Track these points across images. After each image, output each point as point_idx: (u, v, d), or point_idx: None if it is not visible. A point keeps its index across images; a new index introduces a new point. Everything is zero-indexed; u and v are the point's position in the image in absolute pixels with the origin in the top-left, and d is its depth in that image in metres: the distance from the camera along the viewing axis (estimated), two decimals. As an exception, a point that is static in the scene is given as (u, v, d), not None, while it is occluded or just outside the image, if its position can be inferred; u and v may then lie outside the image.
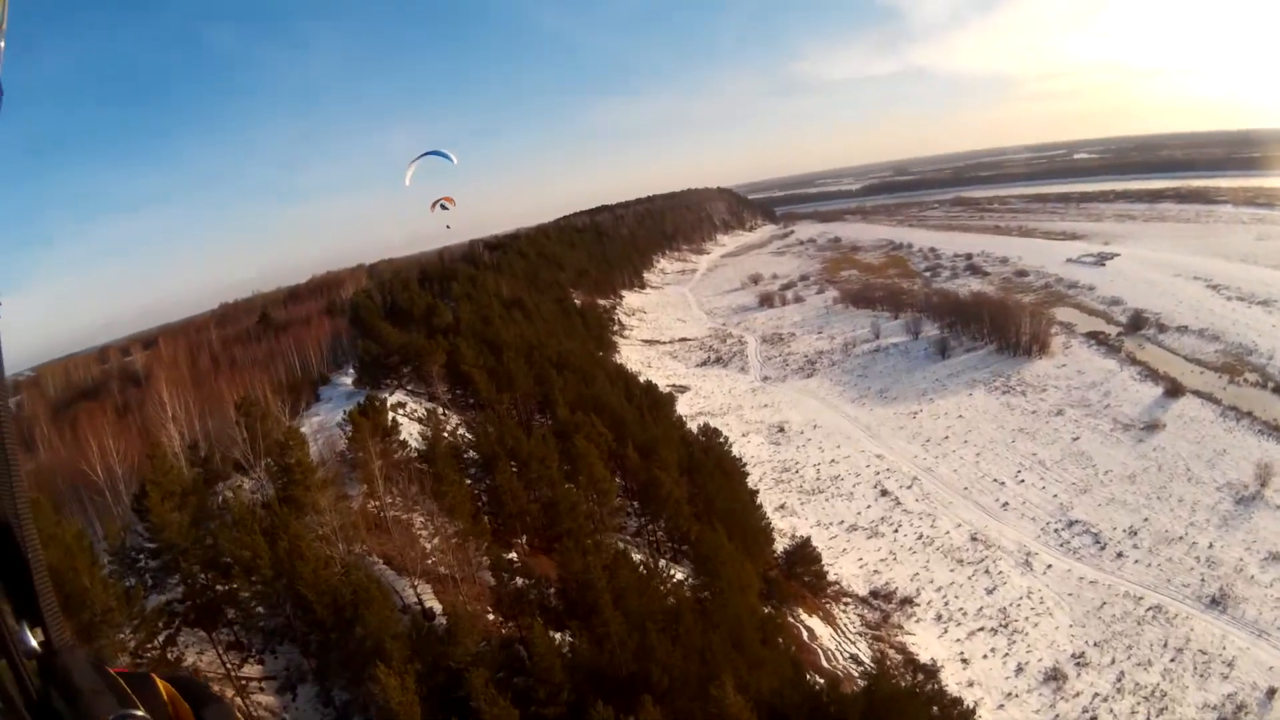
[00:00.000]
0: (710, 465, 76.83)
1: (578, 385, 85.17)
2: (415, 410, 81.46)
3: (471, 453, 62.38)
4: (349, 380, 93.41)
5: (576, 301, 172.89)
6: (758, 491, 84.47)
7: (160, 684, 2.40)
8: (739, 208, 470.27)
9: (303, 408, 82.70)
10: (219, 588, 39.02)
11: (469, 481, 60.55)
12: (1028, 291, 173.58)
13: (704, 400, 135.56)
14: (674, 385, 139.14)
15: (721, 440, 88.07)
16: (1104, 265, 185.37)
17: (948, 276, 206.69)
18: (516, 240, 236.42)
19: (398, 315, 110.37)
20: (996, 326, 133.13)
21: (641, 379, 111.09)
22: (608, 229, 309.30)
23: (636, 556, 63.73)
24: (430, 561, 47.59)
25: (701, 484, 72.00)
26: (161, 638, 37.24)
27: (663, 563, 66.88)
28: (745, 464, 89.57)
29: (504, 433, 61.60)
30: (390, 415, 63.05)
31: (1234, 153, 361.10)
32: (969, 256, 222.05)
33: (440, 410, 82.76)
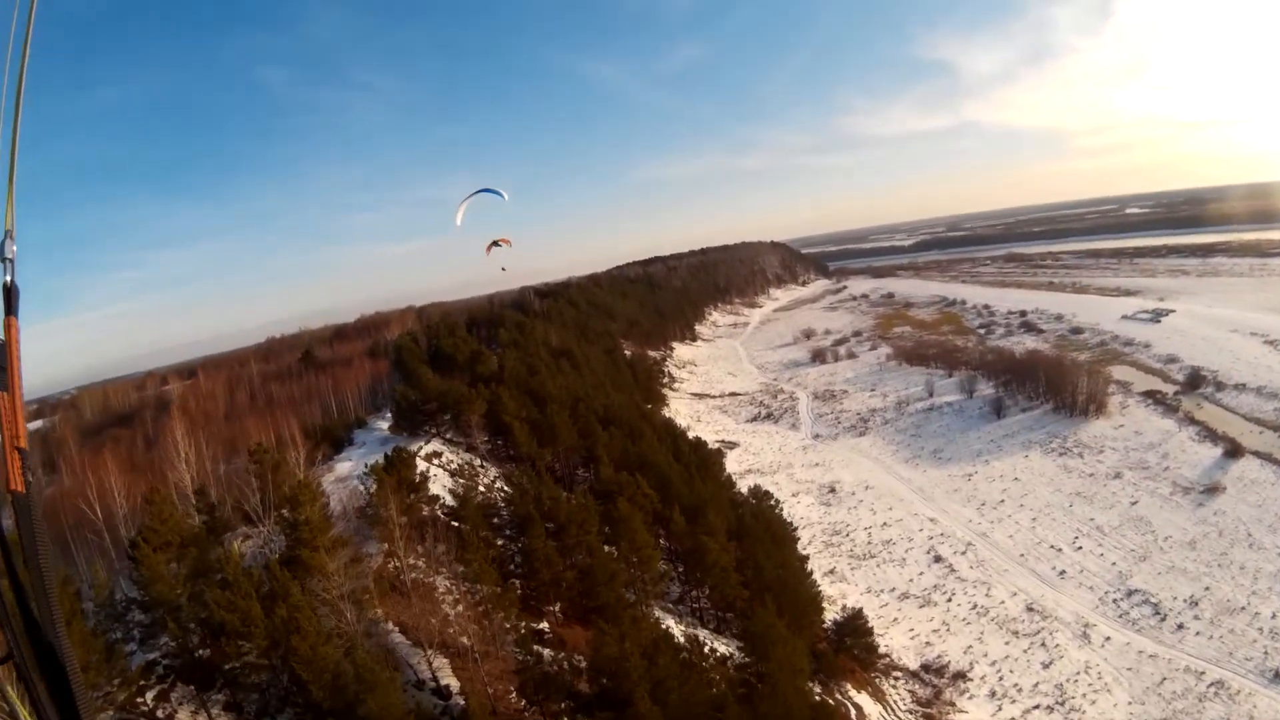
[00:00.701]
0: (760, 530, 71.75)
1: (623, 441, 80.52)
2: (451, 461, 77.21)
3: (505, 512, 57.70)
4: (385, 425, 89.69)
5: (627, 352, 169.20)
6: (808, 556, 79.88)
7: None
8: (792, 261, 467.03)
9: (331, 454, 78.81)
10: (208, 650, 34.75)
11: (501, 542, 56.19)
12: (1083, 349, 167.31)
13: (753, 457, 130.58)
14: (723, 441, 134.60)
15: (772, 503, 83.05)
16: (1159, 322, 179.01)
17: (1002, 334, 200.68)
18: (568, 288, 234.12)
19: (441, 360, 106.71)
20: (1052, 386, 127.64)
21: (690, 434, 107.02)
22: (660, 280, 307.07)
23: (678, 629, 59.29)
24: (452, 631, 42.58)
25: (750, 550, 66.89)
26: (152, 694, 34.08)
27: (705, 634, 62.51)
28: (795, 526, 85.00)
29: (540, 492, 56.77)
30: (419, 469, 58.30)
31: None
32: (1023, 313, 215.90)
33: (478, 462, 78.47)
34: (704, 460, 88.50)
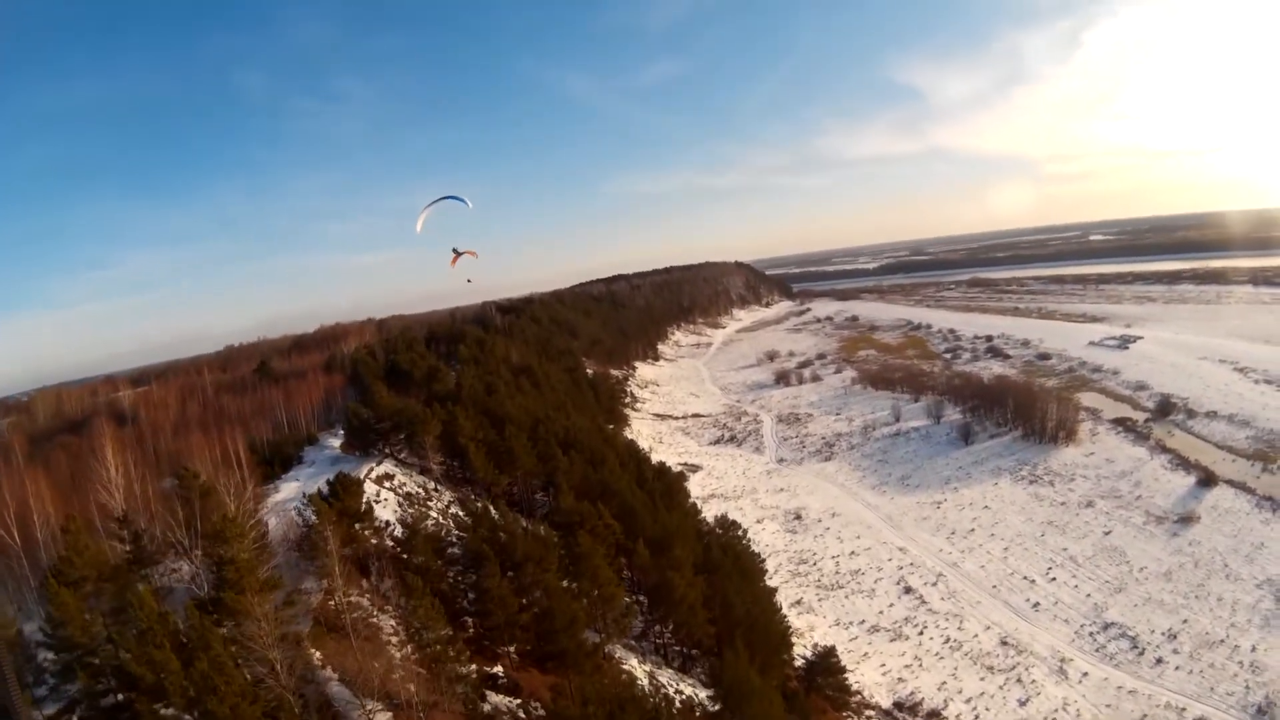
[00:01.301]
0: (728, 564, 68.38)
1: (584, 467, 76.91)
2: (403, 484, 72.94)
3: (457, 547, 53.82)
4: (337, 443, 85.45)
5: (589, 371, 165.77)
6: (776, 589, 77.01)
7: None
8: (756, 283, 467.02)
9: (279, 473, 74.54)
10: (124, 699, 30.84)
11: (454, 576, 52.33)
12: (1050, 375, 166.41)
13: (717, 481, 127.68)
14: (686, 464, 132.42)
15: (740, 533, 79.97)
16: (1127, 348, 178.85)
17: (968, 359, 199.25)
18: (530, 304, 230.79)
19: (398, 376, 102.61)
20: (1021, 412, 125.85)
21: (653, 456, 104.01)
22: (624, 298, 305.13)
23: (641, 669, 55.83)
24: (397, 677, 38.57)
25: (718, 585, 63.40)
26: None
27: (669, 674, 59.12)
28: (762, 557, 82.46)
29: (495, 527, 52.94)
30: (368, 494, 54.25)
31: (1252, 233, 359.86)
32: (989, 338, 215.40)
33: (432, 485, 74.56)
34: (669, 487, 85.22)
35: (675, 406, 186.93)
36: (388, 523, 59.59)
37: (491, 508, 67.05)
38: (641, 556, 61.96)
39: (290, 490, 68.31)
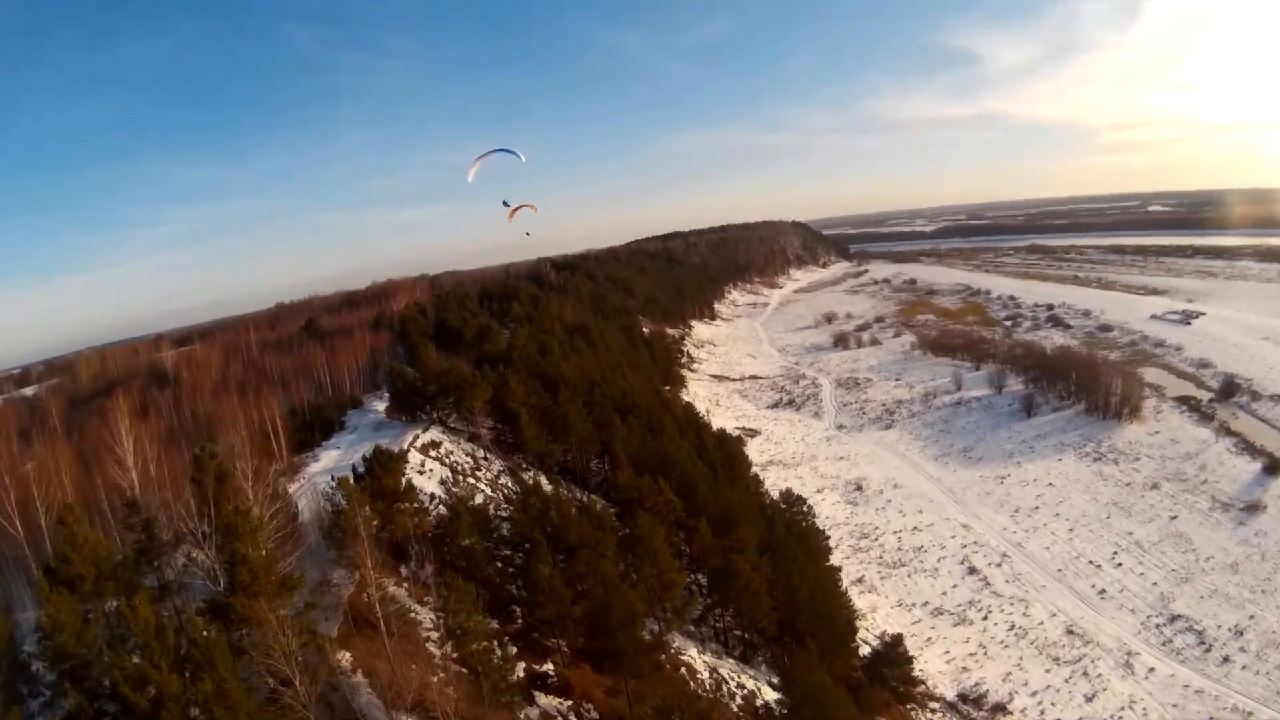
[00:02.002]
0: (793, 544, 63.61)
1: (642, 435, 71.97)
2: (450, 453, 68.11)
3: (506, 526, 48.97)
4: (382, 407, 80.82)
5: (645, 330, 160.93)
6: (839, 569, 72.81)
7: None
8: (813, 243, 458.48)
9: (319, 440, 70.30)
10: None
11: (501, 562, 47.68)
12: (1112, 348, 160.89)
13: (775, 447, 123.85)
14: (744, 428, 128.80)
15: (805, 510, 74.75)
16: (1189, 324, 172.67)
17: (1029, 327, 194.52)
18: (585, 261, 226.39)
19: (447, 335, 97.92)
20: (1084, 385, 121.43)
21: (710, 420, 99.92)
22: (679, 255, 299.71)
23: (701, 660, 51.24)
24: (436, 680, 33.79)
25: (783, 568, 58.82)
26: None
27: (731, 665, 54.56)
28: (825, 533, 77.70)
29: (546, 507, 47.98)
30: (405, 475, 49.34)
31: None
32: (1050, 307, 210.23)
33: (481, 454, 69.94)
34: (730, 456, 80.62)
35: (732, 368, 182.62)
36: (433, 496, 55.34)
37: (544, 480, 62.54)
38: (703, 537, 57.41)
39: (330, 459, 64.18)
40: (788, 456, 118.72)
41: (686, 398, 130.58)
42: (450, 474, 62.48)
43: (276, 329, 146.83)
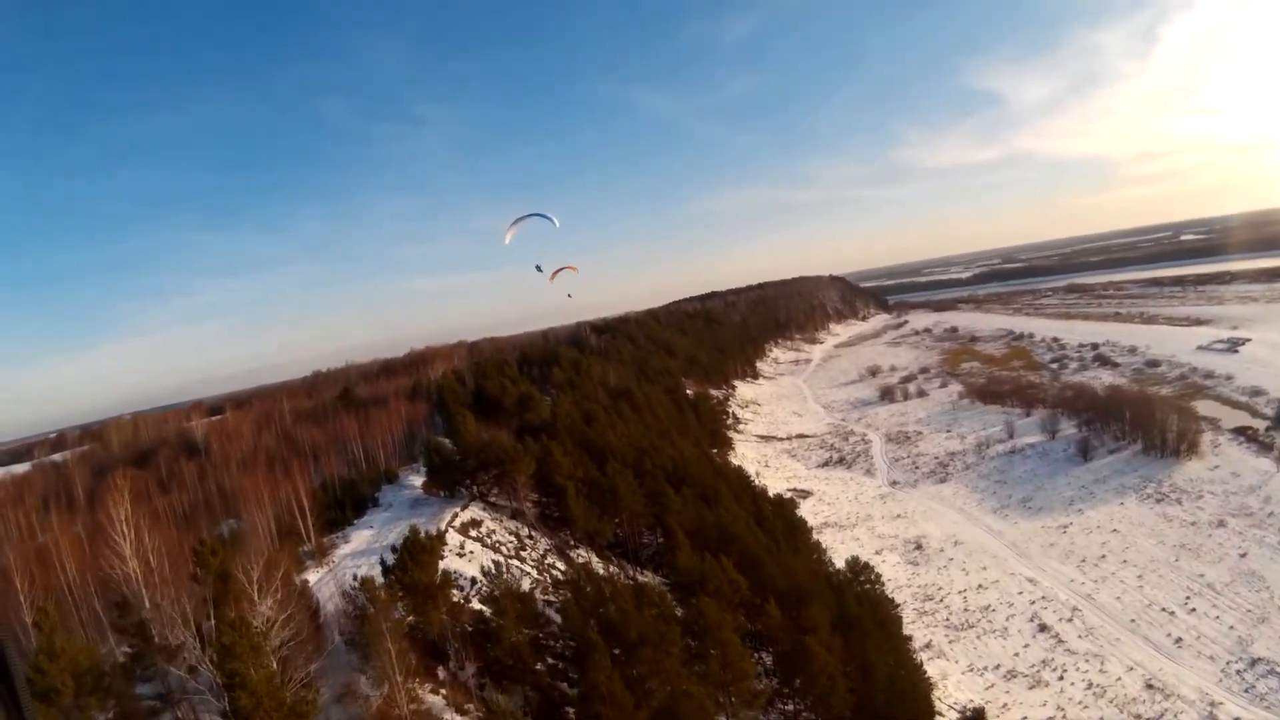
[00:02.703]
0: (866, 618, 57.42)
1: (697, 505, 66.30)
2: (493, 532, 62.64)
3: (556, 618, 43.29)
4: (419, 482, 75.51)
5: (689, 391, 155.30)
6: (910, 638, 66.67)
7: None
8: (851, 296, 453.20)
9: (351, 519, 65.17)
10: None
11: (551, 658, 41.96)
12: (1162, 383, 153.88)
13: (829, 507, 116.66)
14: (795, 489, 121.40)
15: (873, 577, 68.75)
16: (1237, 351, 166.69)
17: (1076, 368, 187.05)
18: (625, 324, 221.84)
19: (486, 404, 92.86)
20: (1139, 424, 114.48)
21: (760, 482, 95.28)
22: (719, 315, 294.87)
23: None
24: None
25: (857, 645, 52.55)
26: None
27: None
28: (895, 601, 71.30)
29: (600, 599, 42.19)
30: (441, 565, 43.94)
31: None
32: (1095, 346, 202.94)
33: (525, 532, 64.50)
34: (790, 524, 74.50)
35: (779, 427, 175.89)
36: (473, 581, 49.90)
37: (594, 559, 57.05)
38: (772, 617, 51.33)
39: (362, 540, 59.02)
40: (843, 517, 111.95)
41: (735, 460, 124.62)
42: (492, 557, 57.03)
43: (312, 397, 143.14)
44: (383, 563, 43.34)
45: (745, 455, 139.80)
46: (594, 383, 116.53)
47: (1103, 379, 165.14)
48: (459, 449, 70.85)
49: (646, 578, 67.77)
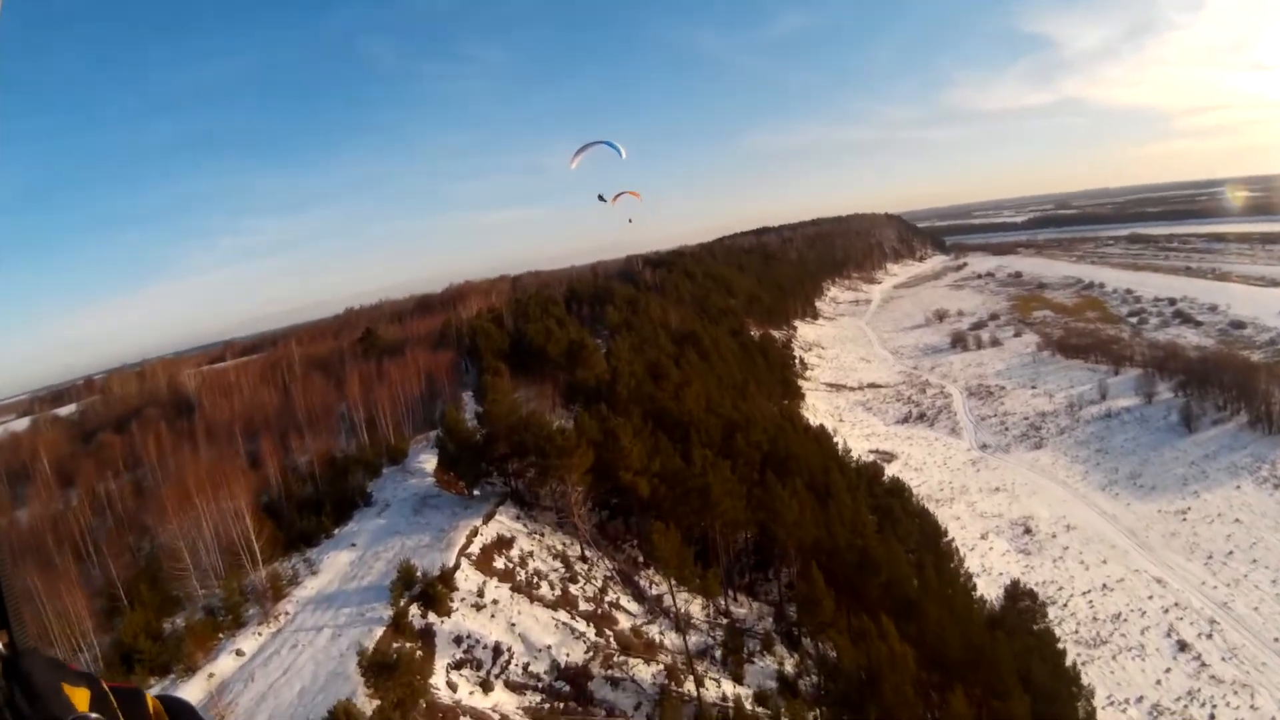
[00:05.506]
0: (1046, 674, 40.02)
1: (811, 505, 45.58)
2: (529, 556, 41.26)
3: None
4: (431, 465, 53.60)
5: (754, 333, 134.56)
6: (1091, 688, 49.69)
7: (150, 700, 2.34)
8: (908, 235, 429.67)
9: (327, 530, 43.76)
10: None
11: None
12: (1251, 347, 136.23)
13: (916, 473, 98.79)
14: (877, 450, 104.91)
15: (1037, 605, 49.71)
16: None
17: (1156, 324, 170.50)
18: (681, 258, 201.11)
19: (527, 355, 70.86)
20: (1244, 393, 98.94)
21: (837, 440, 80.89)
22: (775, 251, 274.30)
23: None
24: None
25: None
26: None
27: None
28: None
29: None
30: (462, 592, 23.76)
31: None
32: (1172, 301, 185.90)
33: (578, 550, 43.74)
34: (925, 530, 53.76)
35: (848, 375, 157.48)
36: (498, 649, 29.99)
37: (683, 594, 36.45)
38: (956, 708, 31.35)
39: (336, 570, 38.13)
40: (935, 488, 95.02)
41: (807, 414, 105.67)
42: (528, 612, 35.94)
43: (340, 337, 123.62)
44: (359, 652, 23.36)
45: (817, 407, 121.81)
46: (654, 324, 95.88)
47: (1187, 338, 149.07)
48: (486, 424, 49.30)
49: (743, 609, 47.44)
